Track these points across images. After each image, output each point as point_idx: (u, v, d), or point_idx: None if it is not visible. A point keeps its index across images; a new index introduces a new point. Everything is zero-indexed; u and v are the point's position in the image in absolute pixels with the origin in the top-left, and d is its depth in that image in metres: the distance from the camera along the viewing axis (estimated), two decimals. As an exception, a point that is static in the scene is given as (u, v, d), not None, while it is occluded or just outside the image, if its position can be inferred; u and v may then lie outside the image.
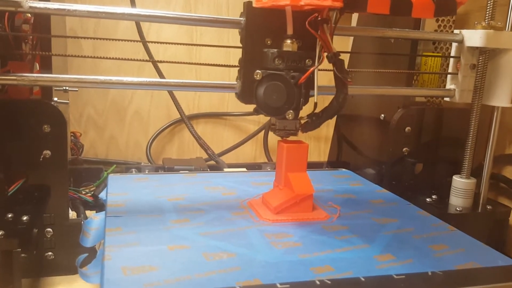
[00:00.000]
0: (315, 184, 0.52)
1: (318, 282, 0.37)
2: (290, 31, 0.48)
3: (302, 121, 0.52)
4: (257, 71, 0.48)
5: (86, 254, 0.49)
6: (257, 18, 0.49)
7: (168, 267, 0.38)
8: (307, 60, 0.48)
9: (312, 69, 0.48)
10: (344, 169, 0.74)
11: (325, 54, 0.48)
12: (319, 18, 0.46)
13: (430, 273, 0.40)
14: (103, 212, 0.52)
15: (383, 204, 0.58)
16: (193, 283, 0.36)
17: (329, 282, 0.37)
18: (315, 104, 0.50)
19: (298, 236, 0.46)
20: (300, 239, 0.45)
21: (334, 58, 0.48)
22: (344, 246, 0.44)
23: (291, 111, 0.49)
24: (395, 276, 0.39)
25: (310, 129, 0.52)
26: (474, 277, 0.41)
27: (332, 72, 0.51)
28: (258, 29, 0.49)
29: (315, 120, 0.51)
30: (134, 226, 0.46)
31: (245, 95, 0.50)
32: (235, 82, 0.52)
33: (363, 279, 0.38)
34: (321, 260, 0.41)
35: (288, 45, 0.48)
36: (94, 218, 0.51)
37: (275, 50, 0.48)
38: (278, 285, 0.36)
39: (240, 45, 0.51)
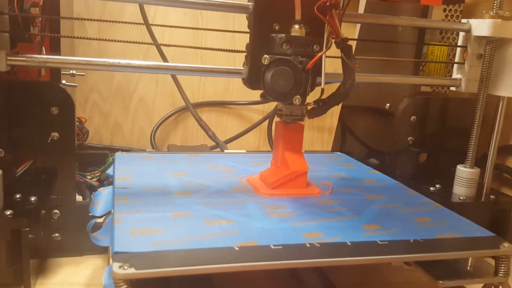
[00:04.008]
0: (310, 165, 0.54)
1: (308, 245, 0.40)
2: (298, 16, 0.48)
3: (309, 107, 0.52)
4: (265, 55, 0.48)
5: (95, 220, 0.50)
6: (265, 3, 0.49)
7: (172, 230, 0.41)
8: (315, 46, 0.48)
9: (320, 54, 0.48)
10: (339, 153, 0.75)
11: (333, 39, 0.48)
12: (327, 3, 0.46)
13: (412, 241, 0.43)
14: (111, 186, 0.54)
15: (374, 183, 0.60)
16: (196, 243, 0.39)
17: (318, 245, 0.40)
18: (322, 90, 0.50)
19: (292, 208, 0.49)
20: (294, 210, 0.48)
21: (342, 44, 0.48)
22: (334, 216, 0.47)
23: (298, 96, 0.49)
24: (379, 242, 0.42)
25: (317, 115, 0.52)
26: (452, 245, 0.44)
27: (331, 59, 0.51)
28: (266, 14, 0.49)
29: (322, 106, 0.51)
30: (141, 197, 0.49)
31: (252, 80, 0.51)
32: (241, 68, 0.53)
33: (349, 244, 0.41)
34: (312, 227, 0.44)
35: (296, 30, 0.48)
36: (102, 191, 0.54)
37: (283, 35, 0.48)
38: (272, 247, 0.39)
39: (246, 31, 0.51)
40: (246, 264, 0.36)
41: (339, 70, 0.50)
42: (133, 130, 0.94)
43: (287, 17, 0.49)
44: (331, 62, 0.52)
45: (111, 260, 0.36)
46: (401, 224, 0.46)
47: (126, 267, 0.33)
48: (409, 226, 0.46)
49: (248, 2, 0.50)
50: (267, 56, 0.48)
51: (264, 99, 0.52)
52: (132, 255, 0.35)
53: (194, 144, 0.97)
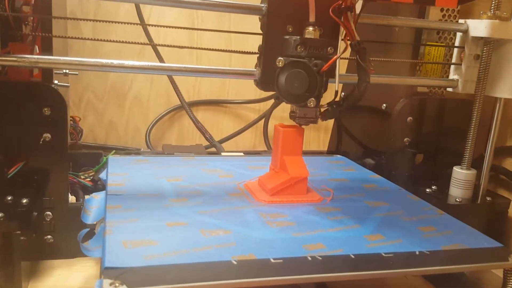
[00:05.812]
0: (310, 169, 0.53)
1: (309, 258, 0.38)
2: (312, 18, 0.48)
3: (322, 109, 0.51)
4: (280, 58, 0.48)
5: (87, 229, 0.49)
6: (279, 4, 0.49)
7: (167, 242, 0.39)
8: (329, 48, 0.48)
9: (336, 57, 0.47)
10: (338, 155, 0.74)
11: (349, 42, 0.48)
12: (342, 6, 0.46)
13: (417, 253, 0.41)
14: (103, 191, 0.53)
15: (375, 189, 0.59)
16: (191, 256, 0.37)
17: (320, 258, 0.39)
18: (336, 92, 0.50)
19: (292, 216, 0.47)
20: (294, 219, 0.47)
21: (358, 47, 0.47)
22: (336, 226, 0.46)
23: (313, 98, 0.49)
24: (384, 254, 0.40)
25: (330, 117, 0.52)
26: (459, 257, 0.42)
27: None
28: (279, 16, 0.49)
29: (336, 108, 0.51)
30: (134, 204, 0.47)
31: (265, 82, 0.50)
32: (237, 68, 0.52)
33: (353, 256, 0.39)
34: (313, 238, 0.42)
35: (310, 32, 0.48)
36: (95, 197, 0.52)
37: (298, 37, 0.48)
38: (272, 260, 0.37)
39: (242, 32, 0.50)
40: (244, 280, 0.34)
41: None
42: (128, 129, 0.93)
43: (300, 18, 0.48)
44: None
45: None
46: (405, 234, 0.45)
47: (117, 284, 0.32)
48: (413, 236, 0.44)
49: (261, 3, 0.50)
50: (282, 58, 0.48)
51: (278, 100, 0.52)
52: (124, 271, 0.34)
53: (190, 143, 0.96)
